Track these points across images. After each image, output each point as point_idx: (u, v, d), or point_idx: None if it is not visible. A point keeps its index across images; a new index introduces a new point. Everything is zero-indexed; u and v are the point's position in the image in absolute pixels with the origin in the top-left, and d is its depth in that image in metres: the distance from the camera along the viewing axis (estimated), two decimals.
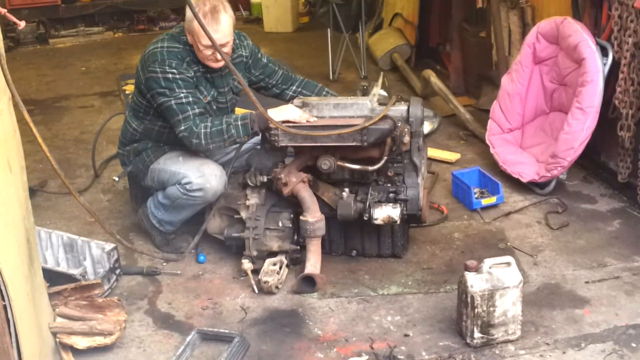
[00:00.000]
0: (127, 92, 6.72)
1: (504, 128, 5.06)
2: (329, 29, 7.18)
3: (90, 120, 6.35)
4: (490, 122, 5.14)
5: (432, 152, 5.15)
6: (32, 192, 4.47)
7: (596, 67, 4.35)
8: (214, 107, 3.98)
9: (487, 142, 5.09)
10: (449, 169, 5.01)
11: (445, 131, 5.75)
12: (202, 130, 3.71)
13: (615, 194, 4.63)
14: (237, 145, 3.95)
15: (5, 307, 2.62)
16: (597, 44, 4.43)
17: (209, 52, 3.76)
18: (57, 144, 5.83)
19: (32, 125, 2.79)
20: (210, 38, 3.35)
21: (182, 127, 3.75)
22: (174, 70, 3.77)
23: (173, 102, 3.75)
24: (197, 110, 3.77)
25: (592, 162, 4.86)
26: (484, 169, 4.82)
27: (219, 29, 3.70)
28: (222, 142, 3.76)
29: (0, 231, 2.59)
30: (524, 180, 4.69)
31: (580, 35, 4.47)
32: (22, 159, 3.10)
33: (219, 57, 3.74)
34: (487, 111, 5.36)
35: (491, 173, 4.75)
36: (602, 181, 4.79)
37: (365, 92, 5.73)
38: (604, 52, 4.42)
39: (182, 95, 3.76)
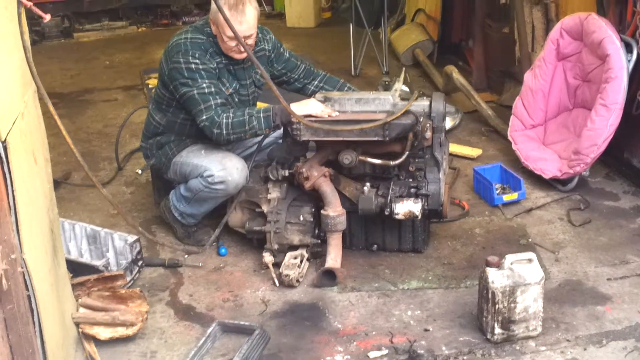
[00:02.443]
0: (150, 86, 6.76)
1: (526, 124, 5.04)
2: (351, 25, 7.19)
3: (113, 113, 6.40)
4: (512, 118, 5.11)
5: (454, 148, 5.14)
6: (56, 184, 4.51)
7: (620, 64, 4.32)
8: (236, 99, 4.00)
9: (509, 138, 5.07)
10: (470, 164, 5.00)
11: (467, 127, 5.73)
12: (224, 121, 3.73)
13: (638, 191, 4.59)
14: (257, 138, 3.97)
15: (29, 296, 2.65)
16: (622, 40, 4.40)
17: (233, 43, 3.78)
18: (81, 137, 5.88)
19: (56, 117, 2.81)
20: (233, 30, 3.38)
21: (204, 117, 3.76)
22: (197, 61, 3.79)
23: (195, 92, 3.77)
24: (219, 101, 3.78)
25: (615, 159, 4.82)
26: (506, 165, 4.80)
27: (243, 20, 3.73)
28: (243, 134, 3.77)
29: (25, 222, 2.61)
30: (546, 176, 4.67)
31: (604, 31, 4.43)
32: (46, 151, 3.14)
33: (242, 48, 3.77)
34: (510, 107, 5.34)
35: (513, 169, 4.74)
36: (625, 178, 4.76)
37: (387, 88, 5.75)
38: (628, 49, 4.39)
39: (204, 85, 3.78)
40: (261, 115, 3.73)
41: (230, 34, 3.68)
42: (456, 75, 5.90)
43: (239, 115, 3.74)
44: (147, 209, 4.62)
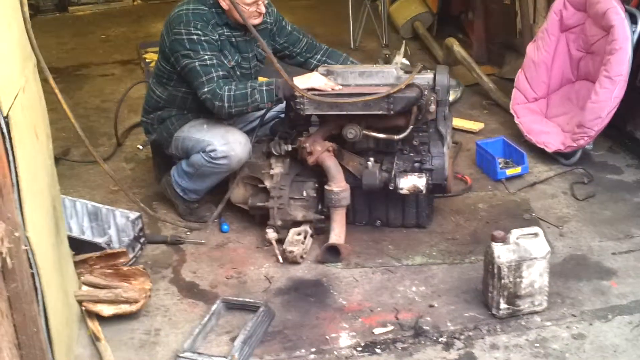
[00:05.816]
0: (147, 60, 6.68)
1: (528, 97, 4.99)
2: None
3: (111, 88, 6.33)
4: (514, 91, 5.06)
5: (455, 122, 5.08)
6: (56, 160, 4.46)
7: (625, 35, 4.26)
8: (238, 72, 3.94)
9: (512, 111, 5.02)
10: (472, 138, 4.96)
11: (468, 100, 5.68)
12: (226, 93, 3.68)
13: None
14: (259, 112, 3.92)
15: (33, 275, 2.62)
16: (626, 11, 4.34)
17: (253, 8, 3.74)
18: (79, 112, 5.80)
19: (57, 91, 2.78)
20: None
21: (206, 89, 3.71)
22: (199, 32, 3.74)
23: (197, 63, 3.72)
24: (221, 73, 3.73)
25: (618, 131, 4.78)
26: (508, 138, 4.76)
27: None
28: (245, 107, 3.72)
29: (27, 199, 2.58)
30: (549, 150, 4.63)
31: (609, 2, 4.37)
32: (47, 127, 3.10)
33: (262, 9, 3.79)
34: (511, 80, 5.30)
35: (515, 143, 4.70)
36: (628, 151, 4.73)
37: (388, 61, 5.68)
38: (632, 20, 4.34)
39: (206, 57, 3.72)
40: (264, 88, 3.68)
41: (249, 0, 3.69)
42: (457, 47, 5.84)
43: (241, 88, 3.69)
44: (148, 186, 4.57)
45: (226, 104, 3.69)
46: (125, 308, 3.31)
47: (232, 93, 3.68)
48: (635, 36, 4.31)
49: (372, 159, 3.80)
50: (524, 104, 5.00)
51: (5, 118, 2.42)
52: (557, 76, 4.92)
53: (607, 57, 4.33)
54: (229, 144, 3.80)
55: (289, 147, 3.84)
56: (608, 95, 4.30)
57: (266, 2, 3.83)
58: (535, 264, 3.20)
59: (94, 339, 3.22)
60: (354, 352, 3.15)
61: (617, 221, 4.01)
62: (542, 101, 4.98)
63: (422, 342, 3.18)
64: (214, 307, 3.34)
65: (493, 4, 6.32)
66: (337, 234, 3.74)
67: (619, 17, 4.30)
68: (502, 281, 3.20)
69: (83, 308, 3.31)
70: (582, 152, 4.58)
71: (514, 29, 5.96)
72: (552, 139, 4.65)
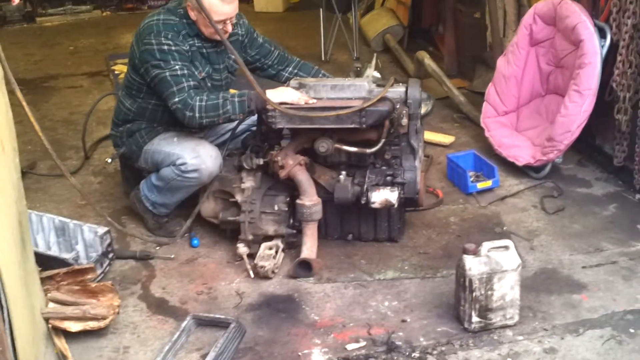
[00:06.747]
0: (116, 72, 6.63)
1: (499, 111, 5.01)
2: (321, 9, 7.10)
3: (79, 100, 6.27)
4: (485, 104, 5.09)
5: (426, 135, 5.07)
6: (22, 174, 4.40)
7: (594, 49, 4.30)
8: (209, 84, 3.91)
9: (482, 125, 5.04)
10: (443, 152, 4.97)
11: (439, 114, 5.70)
12: (197, 103, 3.64)
13: (610, 178, 4.61)
14: (230, 125, 3.90)
15: None
16: (596, 25, 4.38)
17: (220, 25, 3.71)
18: (46, 125, 5.73)
19: (24, 103, 2.73)
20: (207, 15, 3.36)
21: (176, 99, 3.66)
22: (170, 42, 3.70)
23: (167, 73, 3.68)
24: (192, 83, 3.70)
25: (587, 145, 4.82)
26: (479, 152, 4.78)
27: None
28: (217, 118, 3.68)
29: None
30: (520, 163, 4.65)
31: (578, 16, 4.41)
32: (14, 140, 3.04)
33: (228, 28, 3.77)
34: (481, 93, 5.33)
35: (486, 156, 4.71)
36: (597, 165, 4.76)
37: (359, 74, 5.70)
38: (602, 34, 4.37)
39: (177, 67, 3.69)
40: (236, 99, 3.65)
41: (218, 17, 3.66)
42: (428, 61, 5.86)
43: (212, 99, 3.65)
44: (116, 199, 4.52)
45: (197, 114, 3.65)
46: (93, 324, 3.25)
47: (204, 103, 3.64)
48: (604, 50, 4.35)
49: (344, 172, 3.78)
50: (495, 117, 5.02)
51: None
52: (527, 90, 4.95)
53: (577, 71, 4.37)
54: (199, 157, 3.76)
55: (261, 161, 3.81)
56: (577, 109, 4.33)
57: (234, 21, 3.82)
58: (506, 276, 3.20)
59: (61, 357, 3.15)
60: None
61: (586, 234, 4.03)
62: (512, 115, 5.01)
63: (395, 357, 3.15)
64: (184, 323, 3.29)
65: (463, 18, 6.36)
66: (309, 249, 3.71)
67: (588, 31, 4.34)
68: (474, 294, 3.19)
69: (50, 325, 3.25)
70: (551, 166, 4.61)
71: (485, 43, 6.00)
72: (522, 152, 4.68)
